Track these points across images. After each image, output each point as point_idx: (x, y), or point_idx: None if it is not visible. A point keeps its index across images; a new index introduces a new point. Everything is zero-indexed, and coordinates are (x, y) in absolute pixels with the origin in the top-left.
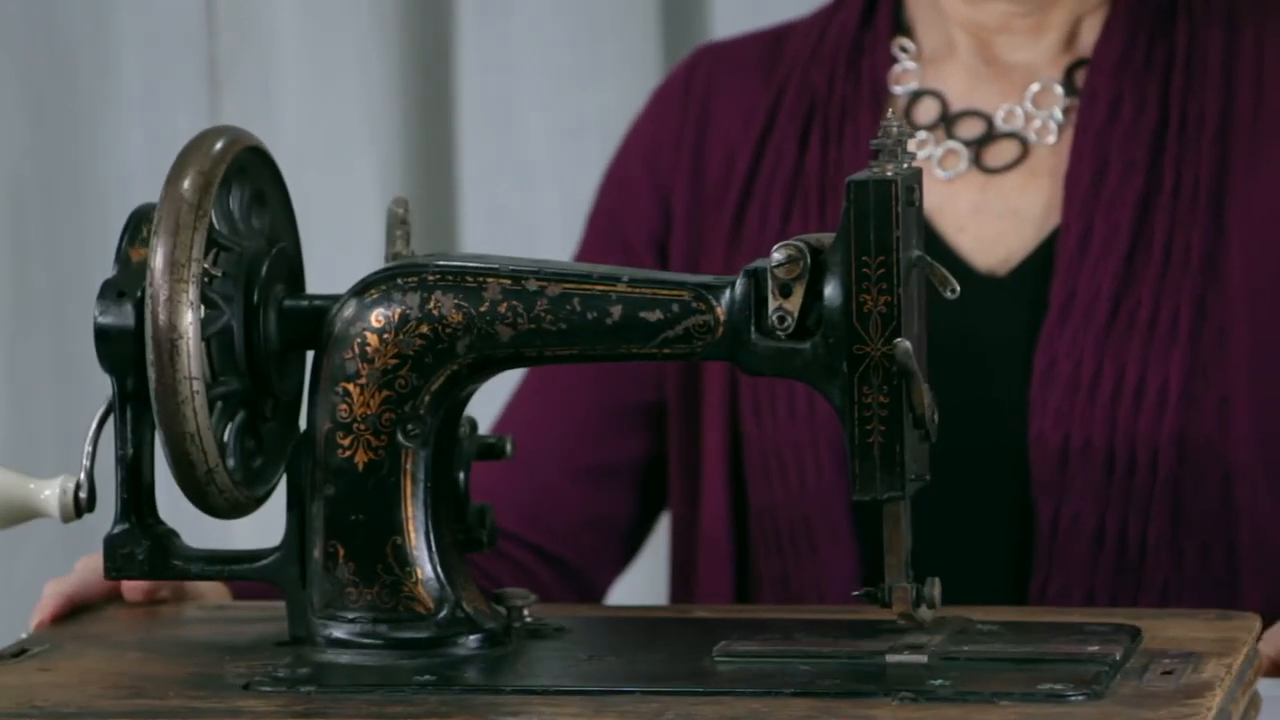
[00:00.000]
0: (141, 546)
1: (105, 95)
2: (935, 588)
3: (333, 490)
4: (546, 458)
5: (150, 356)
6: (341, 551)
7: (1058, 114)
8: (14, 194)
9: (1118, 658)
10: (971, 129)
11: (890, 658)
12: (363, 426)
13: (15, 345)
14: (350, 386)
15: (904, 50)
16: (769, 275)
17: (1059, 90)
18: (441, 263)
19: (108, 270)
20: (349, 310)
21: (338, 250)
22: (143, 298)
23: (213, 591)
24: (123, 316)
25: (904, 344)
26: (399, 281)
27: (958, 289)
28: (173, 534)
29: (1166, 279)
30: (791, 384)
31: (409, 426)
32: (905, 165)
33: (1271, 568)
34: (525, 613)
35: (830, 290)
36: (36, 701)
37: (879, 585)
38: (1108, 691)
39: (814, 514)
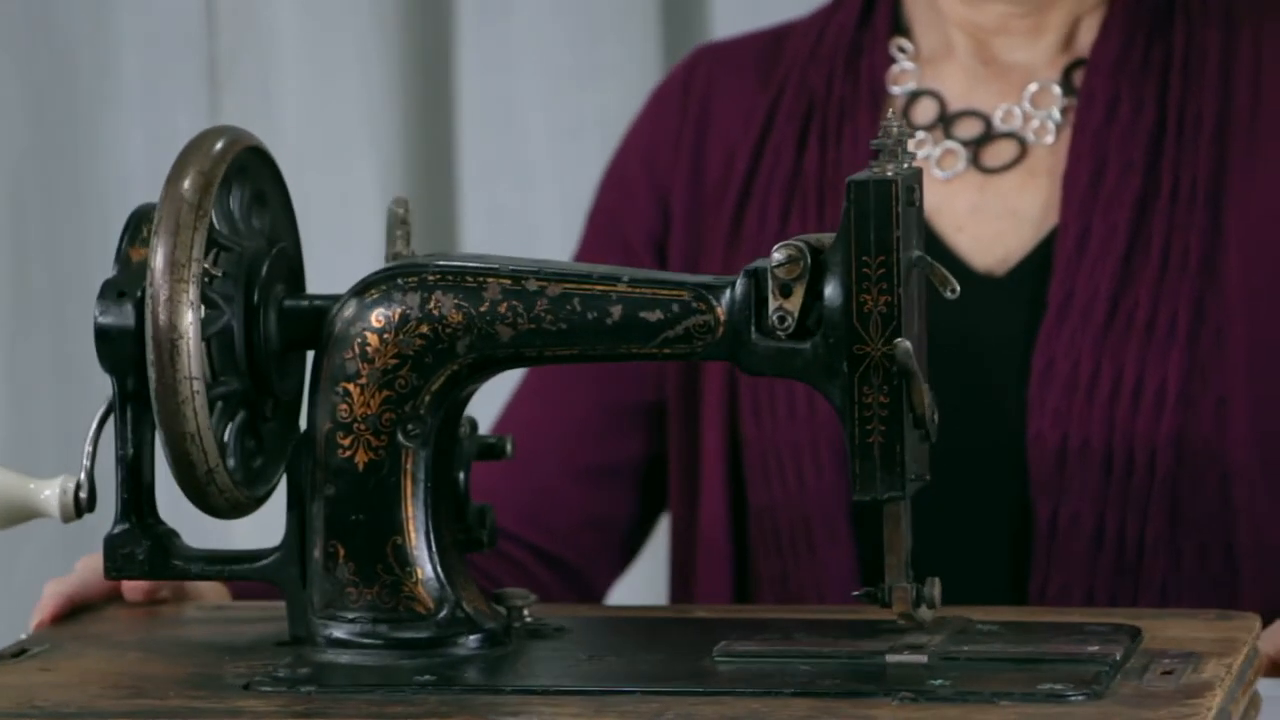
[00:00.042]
0: (141, 546)
1: (105, 95)
2: (935, 588)
3: (333, 490)
4: (546, 458)
5: (150, 356)
6: (341, 551)
7: (1056, 114)
8: (14, 194)
9: (1118, 658)
10: (970, 129)
11: (890, 658)
12: (363, 426)
13: (15, 345)
14: (350, 386)
15: (902, 50)
16: (769, 275)
17: (1057, 90)
18: (441, 263)
19: (108, 270)
20: (349, 310)
21: (338, 250)
22: (143, 298)
23: (212, 592)
24: (123, 316)
25: (904, 344)
26: (399, 281)
27: (958, 289)
28: (173, 534)
29: (1164, 279)
30: (791, 384)
31: (409, 426)
32: (905, 165)
33: (1270, 568)
34: (525, 613)
35: (830, 290)
36: (36, 701)
37: (879, 585)
38: (1108, 691)
39: (813, 514)
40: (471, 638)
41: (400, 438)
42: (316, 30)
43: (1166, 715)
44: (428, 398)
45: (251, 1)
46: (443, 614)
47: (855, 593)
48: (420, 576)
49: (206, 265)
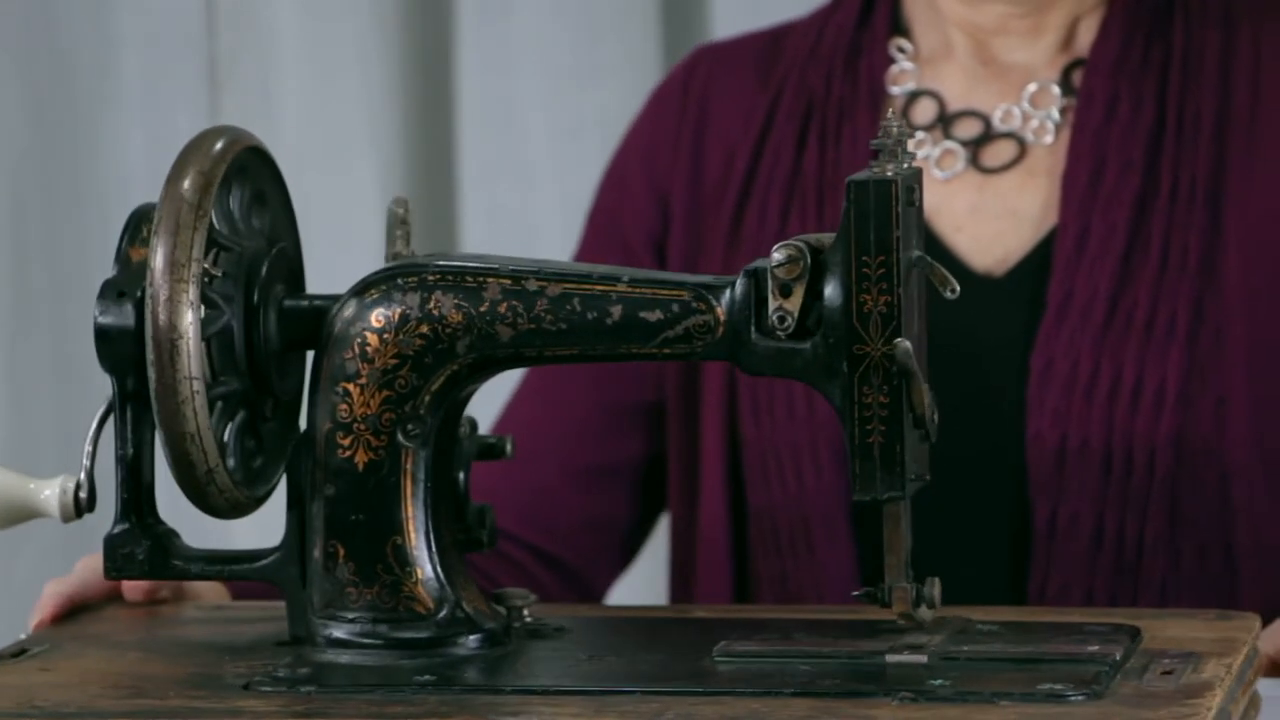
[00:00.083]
0: (141, 546)
1: (105, 95)
2: (935, 588)
3: (333, 490)
4: (546, 458)
5: (150, 356)
6: (341, 551)
7: (1055, 114)
8: (14, 194)
9: (1118, 658)
10: (969, 129)
11: (890, 658)
12: (363, 426)
13: (15, 345)
14: (350, 386)
15: (901, 50)
16: (769, 275)
17: (1056, 90)
18: (441, 263)
19: (108, 270)
20: (349, 310)
21: (338, 250)
22: (143, 298)
23: (210, 592)
24: (123, 316)
25: (904, 344)
26: (399, 281)
27: (958, 289)
28: (173, 534)
29: (1164, 279)
30: (790, 385)
31: (409, 426)
32: (905, 165)
33: (1269, 567)
34: (525, 613)
35: (830, 290)
36: (36, 701)
37: (879, 585)
38: (1108, 691)
39: (812, 515)
40: (471, 638)
41: (400, 438)
42: (316, 30)
43: (1166, 715)
44: (428, 398)
45: (251, 1)
46: (443, 614)
47: (855, 593)
48: (420, 576)
49: (206, 265)
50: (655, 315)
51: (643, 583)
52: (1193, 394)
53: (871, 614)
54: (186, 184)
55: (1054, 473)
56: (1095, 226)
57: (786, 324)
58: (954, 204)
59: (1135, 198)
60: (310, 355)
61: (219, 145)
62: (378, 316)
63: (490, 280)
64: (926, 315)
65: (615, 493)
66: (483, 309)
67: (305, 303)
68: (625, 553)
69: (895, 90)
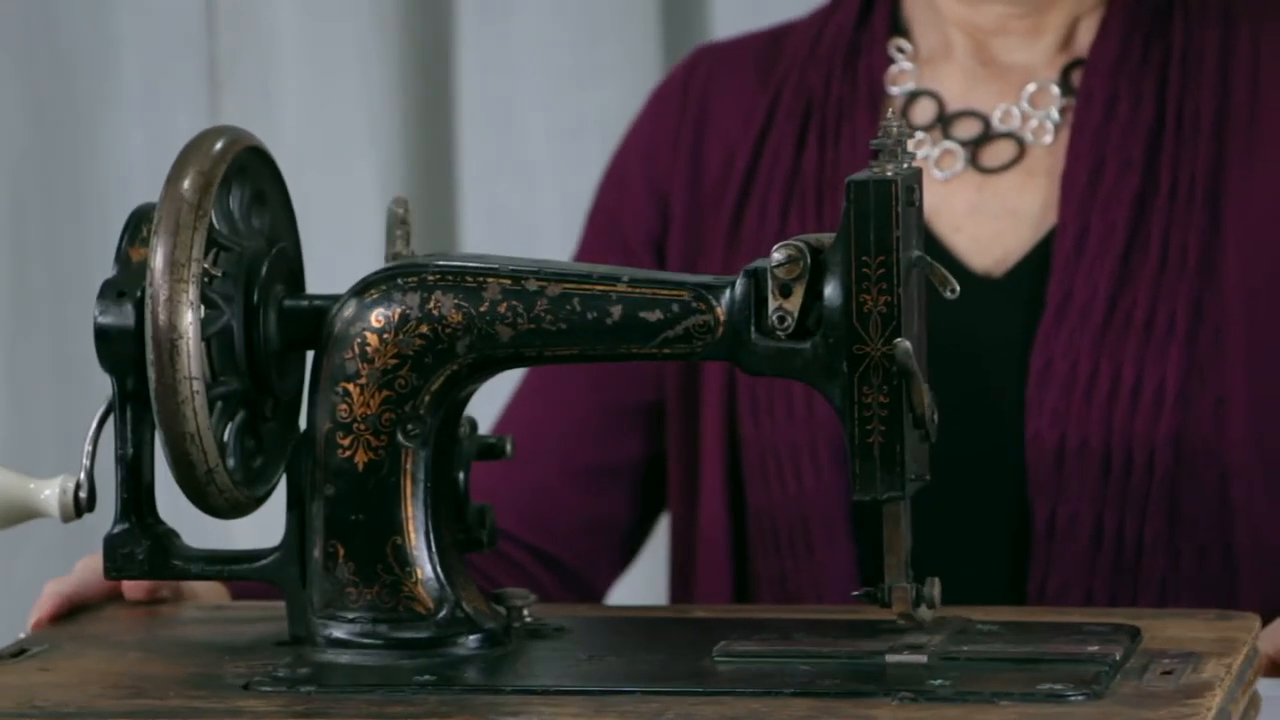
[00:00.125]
0: (141, 546)
1: (105, 95)
2: (935, 588)
3: (333, 490)
4: (546, 458)
5: (150, 356)
6: (341, 551)
7: (1054, 114)
8: (14, 194)
9: (1118, 658)
10: (968, 129)
11: (890, 658)
12: (363, 426)
13: (15, 345)
14: (350, 386)
15: (901, 51)
16: (769, 275)
17: (1055, 90)
18: (441, 263)
19: (108, 270)
20: (349, 310)
21: (338, 250)
22: (143, 298)
23: (208, 592)
24: (123, 316)
25: (904, 344)
26: (399, 281)
27: (958, 289)
28: (173, 534)
29: (1163, 279)
30: (789, 385)
31: (409, 426)
32: (905, 165)
33: (1269, 567)
34: (525, 613)
35: (830, 290)
36: (36, 701)
37: (879, 585)
38: (1108, 691)
39: (812, 515)
40: (471, 638)
41: (400, 438)
42: (316, 30)
43: (1166, 715)
44: (427, 398)
45: (251, 1)
46: (442, 614)
47: (855, 593)
48: (420, 576)
49: (206, 265)
50: (655, 315)
51: (643, 583)
52: (1192, 394)
53: (871, 614)
54: (186, 184)
55: (1053, 473)
56: (1094, 226)
57: (786, 324)
58: (953, 204)
59: (1134, 197)
60: (310, 355)
61: (219, 145)
62: (378, 316)
63: (490, 280)
64: (926, 315)
65: (615, 493)
66: (483, 309)
67: (305, 303)
68: (625, 553)
69: (894, 90)
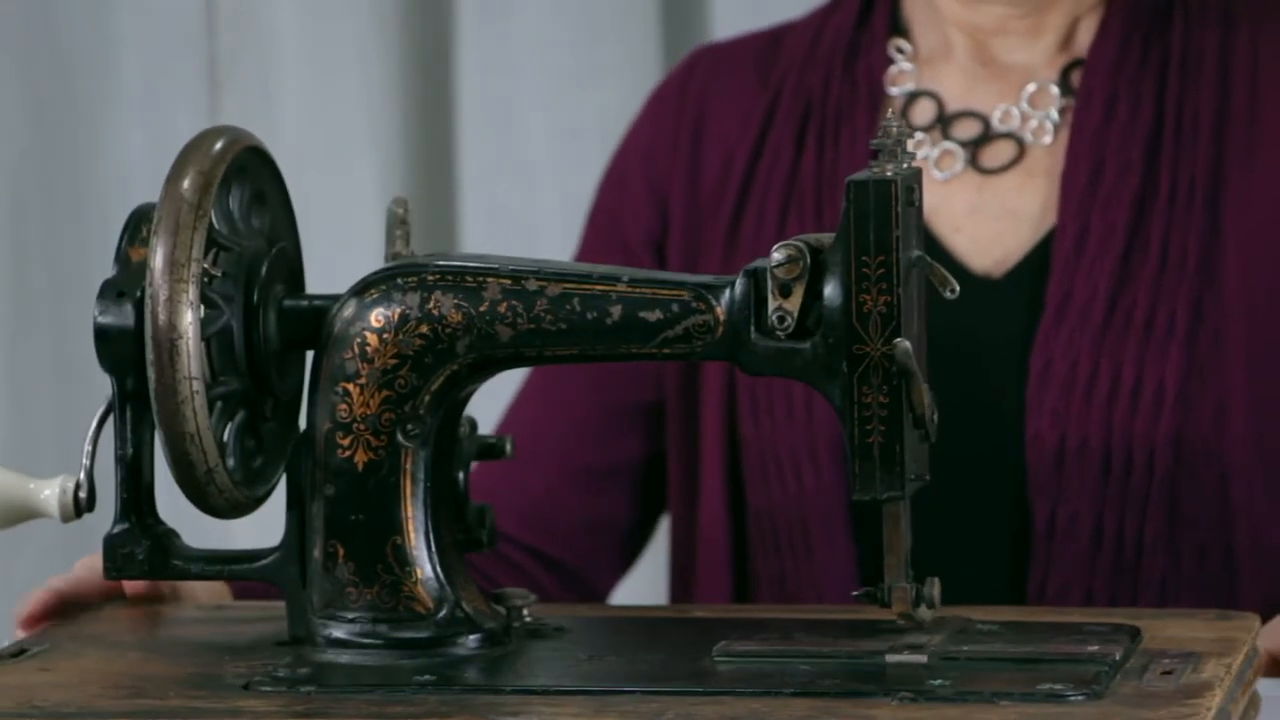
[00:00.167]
0: (141, 546)
1: (105, 95)
2: (935, 588)
3: (333, 490)
4: (546, 459)
5: (150, 356)
6: (341, 551)
7: (1054, 114)
8: (14, 194)
9: (1117, 658)
10: (968, 130)
11: (890, 658)
12: (362, 426)
13: (15, 345)
14: (350, 386)
15: (900, 51)
16: (769, 275)
17: (1055, 91)
18: (441, 263)
19: (108, 270)
20: (349, 310)
21: (338, 250)
22: (143, 298)
23: (206, 592)
24: (123, 316)
25: (904, 344)
26: (399, 281)
27: (957, 289)
28: (173, 534)
29: (1163, 280)
30: (789, 386)
31: (409, 426)
32: (905, 165)
33: (1269, 567)
34: (525, 613)
35: (830, 290)
36: (36, 701)
37: (879, 585)
38: (1108, 691)
39: (811, 516)
40: (471, 638)
41: (400, 438)
42: (316, 30)
43: (1166, 715)
44: (427, 398)
45: (251, 1)
46: (442, 614)
47: (855, 593)
48: (420, 576)
49: (206, 265)
50: (655, 315)
51: (643, 583)
52: (1192, 394)
53: (871, 614)
54: (186, 184)
55: (1053, 473)
56: (1094, 227)
57: (786, 324)
58: (953, 205)
59: (1134, 198)
60: (310, 355)
61: (219, 145)
62: (377, 316)
63: (490, 280)
64: (926, 315)
65: (615, 493)
66: (482, 309)
67: (305, 303)
68: (626, 554)
69: (894, 91)
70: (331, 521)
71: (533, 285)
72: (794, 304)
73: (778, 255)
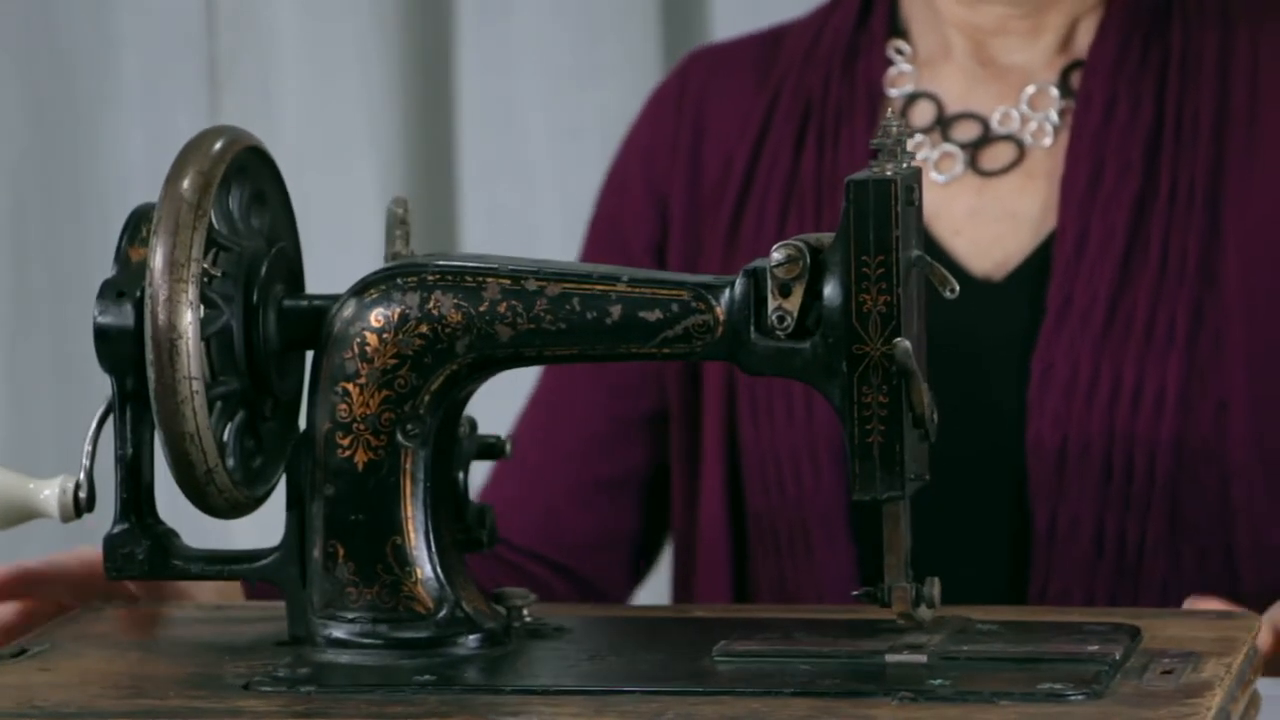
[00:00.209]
0: (141, 546)
1: (105, 95)
2: (935, 587)
3: (332, 490)
4: (557, 471)
5: (150, 356)
6: (341, 551)
7: (1054, 116)
8: (14, 194)
9: (1117, 657)
10: (967, 132)
11: (890, 657)
12: (362, 426)
13: (15, 345)
14: (350, 386)
15: (899, 52)
16: (768, 275)
17: (1054, 92)
18: (441, 263)
19: (108, 270)
20: (349, 310)
21: (338, 250)
22: (142, 298)
23: (205, 592)
24: (122, 316)
25: (904, 344)
26: (399, 281)
27: (957, 289)
28: (173, 534)
29: (1163, 283)
30: (789, 388)
31: (409, 426)
32: (905, 165)
33: (1269, 569)
34: (525, 613)
35: (830, 290)
36: (36, 701)
37: (879, 585)
38: (1108, 691)
39: (811, 518)
40: (471, 637)
41: (400, 437)
42: (316, 30)
43: (1166, 715)
44: (427, 397)
45: (251, 1)
46: (442, 614)
47: (855, 592)
48: (420, 576)
49: (206, 265)
50: (655, 315)
51: (643, 584)
52: (1193, 397)
53: (871, 614)
54: (186, 184)
55: (1054, 476)
56: (1094, 229)
57: (786, 324)
58: (953, 207)
59: (1134, 200)
60: (310, 355)
61: (219, 145)
62: (377, 316)
63: (490, 280)
64: (926, 316)
65: (624, 504)
66: (482, 309)
67: (305, 303)
68: (639, 564)
69: (893, 92)
70: (331, 521)
71: (532, 285)
72: (794, 304)
73: (777, 255)
